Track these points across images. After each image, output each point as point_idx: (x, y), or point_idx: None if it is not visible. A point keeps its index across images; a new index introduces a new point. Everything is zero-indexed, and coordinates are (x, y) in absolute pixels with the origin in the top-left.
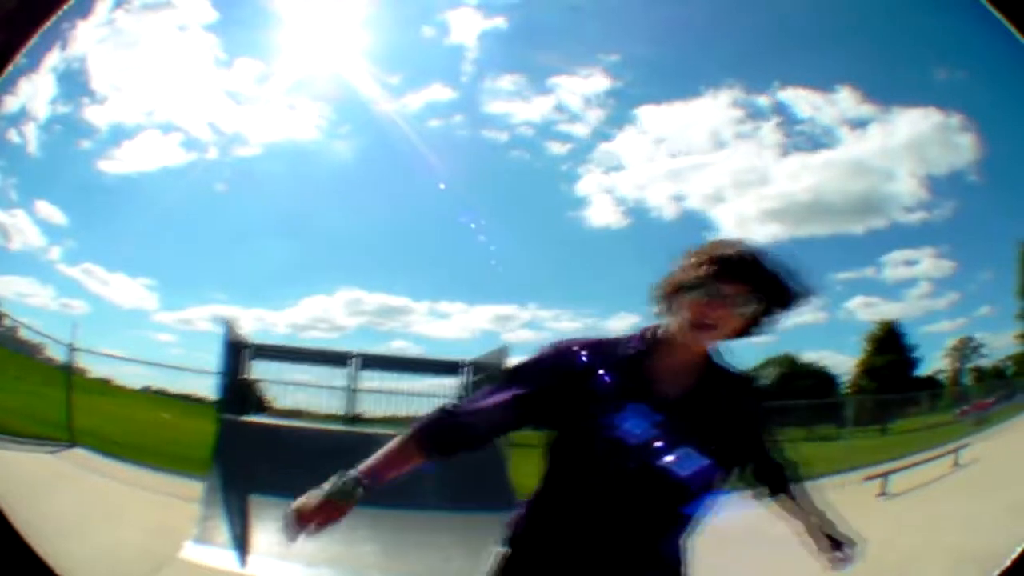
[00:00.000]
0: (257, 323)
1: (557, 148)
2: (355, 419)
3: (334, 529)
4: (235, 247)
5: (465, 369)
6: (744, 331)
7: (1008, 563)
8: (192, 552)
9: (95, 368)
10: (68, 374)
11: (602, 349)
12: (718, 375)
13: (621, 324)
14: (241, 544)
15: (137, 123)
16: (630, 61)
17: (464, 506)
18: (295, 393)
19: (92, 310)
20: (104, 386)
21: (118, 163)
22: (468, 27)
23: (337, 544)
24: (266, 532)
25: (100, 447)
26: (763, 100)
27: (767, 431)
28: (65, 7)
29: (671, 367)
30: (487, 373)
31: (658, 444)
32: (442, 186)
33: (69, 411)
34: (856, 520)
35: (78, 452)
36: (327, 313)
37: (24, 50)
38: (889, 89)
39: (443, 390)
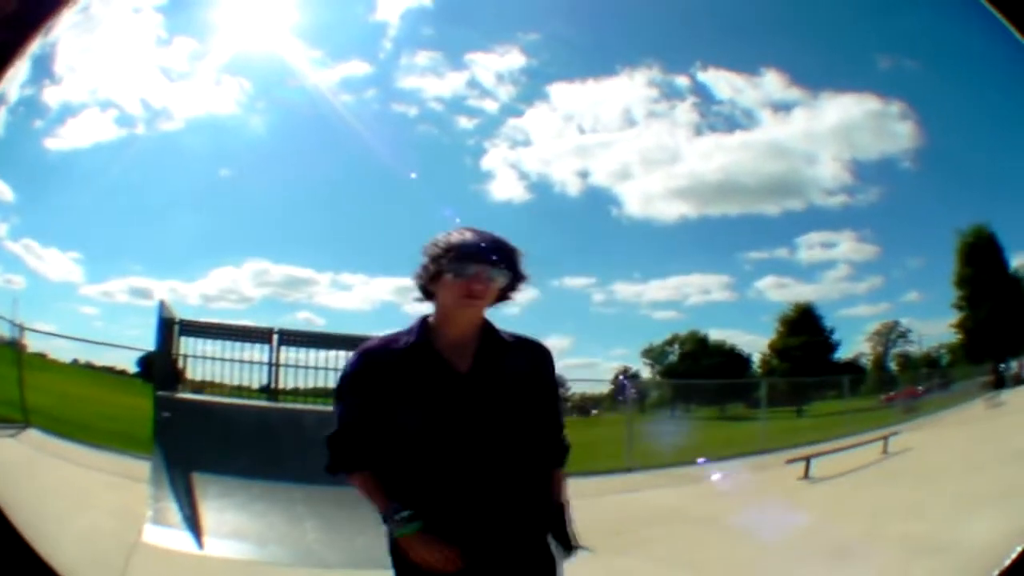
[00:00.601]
0: (171, 294)
1: (465, 123)
2: (276, 393)
3: (276, 508)
4: (155, 220)
5: None
6: (498, 299)
7: (1007, 563)
8: (152, 535)
9: (33, 343)
10: (18, 352)
11: (394, 344)
12: (498, 341)
13: (519, 297)
14: (193, 524)
15: (82, 101)
16: (549, 40)
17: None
18: (219, 367)
19: (29, 284)
20: (42, 361)
21: (61, 140)
22: (393, 5)
23: (281, 523)
24: (214, 511)
25: (52, 427)
26: (682, 80)
27: (556, 400)
28: (65, 7)
29: (454, 344)
30: None
31: (468, 412)
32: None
33: (21, 390)
34: (786, 502)
35: (32, 433)
36: (235, 284)
37: (24, 50)
38: (821, 74)
39: None
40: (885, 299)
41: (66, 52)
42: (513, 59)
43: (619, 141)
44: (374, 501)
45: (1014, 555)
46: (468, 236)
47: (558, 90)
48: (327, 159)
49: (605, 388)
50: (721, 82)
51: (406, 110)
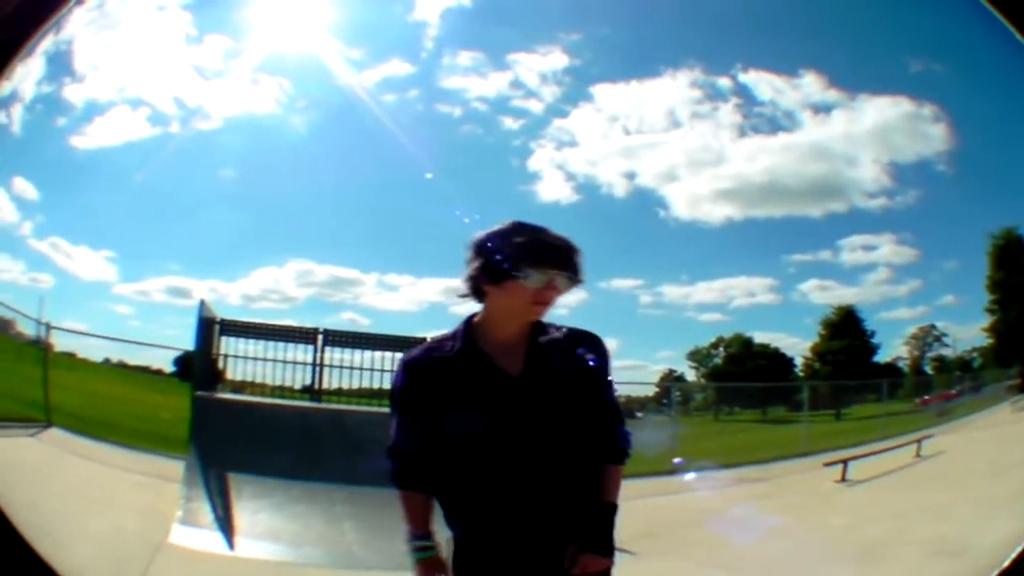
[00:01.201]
0: (211, 294)
1: (510, 123)
2: (320, 393)
3: (314, 509)
4: (191, 219)
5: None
6: None
7: (1007, 563)
8: (181, 535)
9: (61, 342)
10: (44, 351)
11: (438, 352)
12: (548, 339)
13: (567, 299)
14: (225, 525)
15: (109, 99)
16: (591, 40)
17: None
18: (260, 367)
19: (57, 283)
20: (70, 360)
21: (89, 139)
22: (432, 4)
23: (318, 523)
24: (248, 512)
25: (76, 426)
26: (724, 82)
27: (611, 392)
28: (65, 7)
29: (503, 345)
30: None
31: (521, 417)
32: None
33: (46, 389)
34: (820, 506)
35: (55, 432)
36: (278, 284)
37: (24, 50)
38: (857, 76)
39: None
40: (923, 302)
41: (85, 50)
42: (556, 59)
43: (664, 142)
44: (408, 520)
45: (1014, 555)
46: (544, 238)
47: (602, 91)
48: (371, 159)
49: (651, 391)
50: (762, 83)
51: (450, 110)
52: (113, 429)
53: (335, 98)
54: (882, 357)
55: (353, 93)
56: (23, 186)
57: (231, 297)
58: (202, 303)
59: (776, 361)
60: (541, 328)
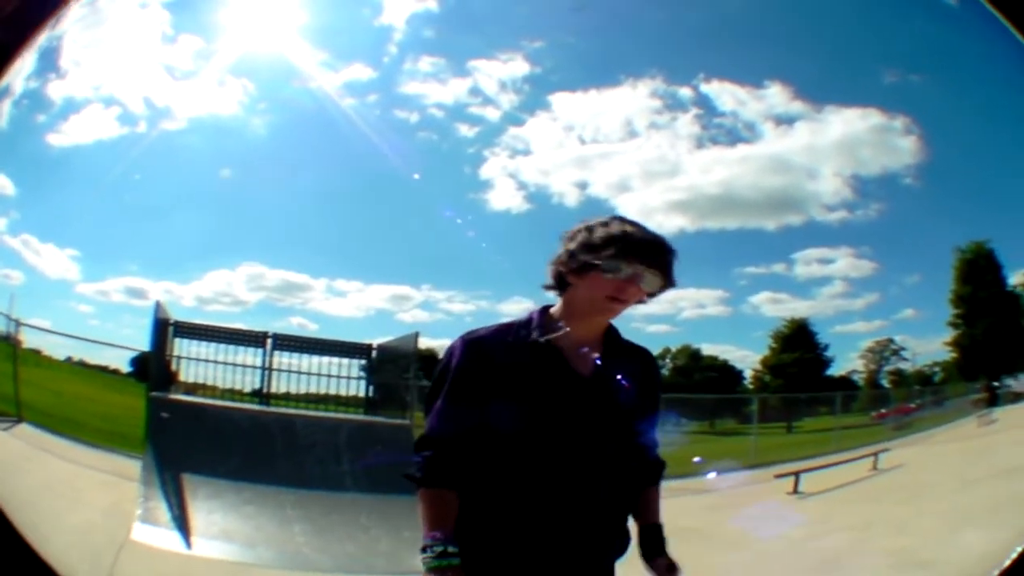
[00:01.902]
0: (166, 296)
1: (465, 130)
2: (269, 397)
3: (265, 511)
4: (150, 220)
5: (375, 352)
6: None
7: (1007, 563)
8: (141, 533)
9: (29, 339)
10: (15, 347)
11: (509, 337)
12: (620, 346)
13: (514, 308)
14: (182, 525)
15: (85, 97)
16: (554, 48)
17: (382, 490)
18: (212, 370)
19: (27, 280)
20: (37, 357)
21: (64, 136)
22: (399, 9)
23: (270, 525)
24: (203, 512)
25: (46, 423)
26: (685, 92)
27: (658, 414)
28: (65, 7)
29: (577, 344)
30: (397, 357)
31: (587, 421)
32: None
33: (16, 385)
34: (776, 517)
35: (26, 428)
36: (230, 287)
37: (24, 50)
38: (827, 87)
39: (352, 370)
40: (880, 316)
41: (72, 47)
42: (517, 67)
43: (620, 152)
44: (432, 522)
45: (1014, 555)
46: (633, 231)
47: (560, 99)
48: (327, 163)
49: None
50: (725, 94)
51: (407, 116)
52: (79, 427)
53: (294, 103)
54: (836, 370)
55: (314, 95)
56: (3, 182)
57: (185, 299)
58: (157, 304)
59: (725, 373)
60: (615, 335)
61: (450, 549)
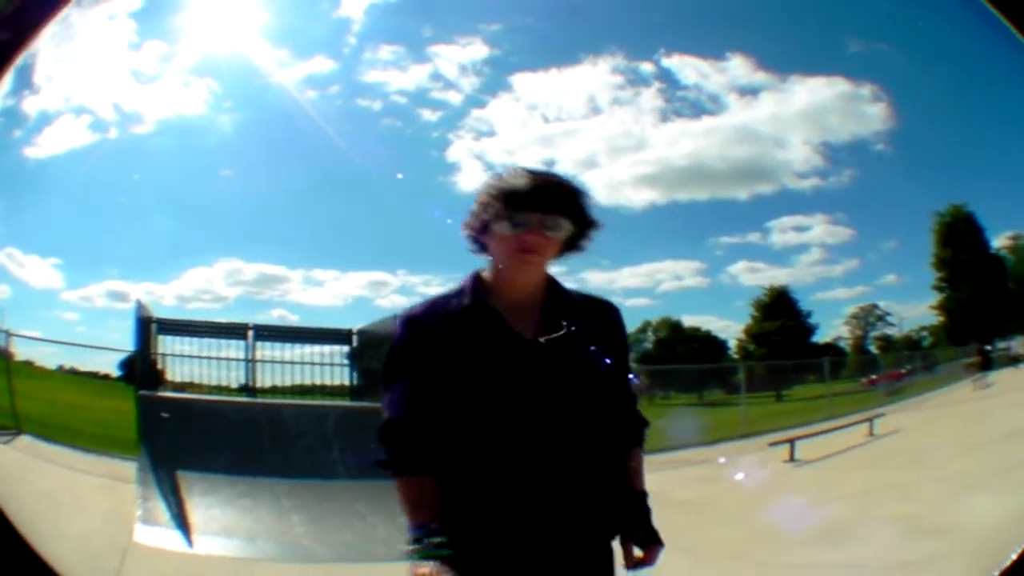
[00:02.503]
0: (147, 296)
1: (429, 115)
2: (255, 390)
3: (262, 503)
4: (127, 224)
5: (355, 337)
6: (564, 250)
7: (1008, 563)
8: (143, 535)
9: (21, 351)
10: (7, 360)
11: (444, 308)
12: (568, 301)
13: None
14: (182, 523)
15: (57, 109)
16: (512, 30)
17: (375, 477)
18: (198, 366)
19: (14, 293)
20: (29, 369)
21: (39, 149)
22: (357, 1)
23: (268, 517)
24: (201, 508)
25: (43, 433)
26: (647, 67)
27: (628, 368)
28: (66, 7)
29: (515, 304)
30: (378, 341)
31: (537, 384)
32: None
33: (12, 398)
34: (771, 485)
35: (26, 440)
36: (209, 284)
37: (24, 50)
38: (789, 58)
39: (334, 357)
40: (862, 282)
41: (45, 62)
42: (476, 50)
43: (584, 129)
44: (415, 511)
45: (1015, 555)
46: (521, 180)
47: (521, 80)
48: (294, 157)
49: None
50: (687, 68)
51: (370, 104)
52: (74, 434)
53: (258, 99)
54: (821, 337)
55: (275, 92)
56: None
57: (166, 299)
58: (138, 304)
59: (708, 344)
60: (558, 289)
61: (439, 539)
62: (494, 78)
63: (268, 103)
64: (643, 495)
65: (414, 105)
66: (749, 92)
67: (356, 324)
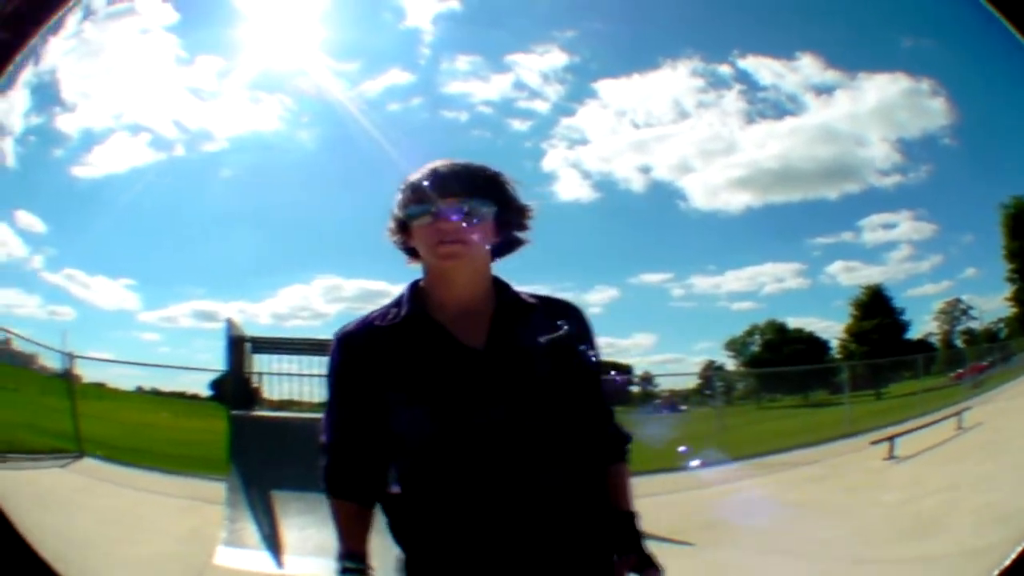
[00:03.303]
0: (240, 315)
1: (519, 125)
2: None
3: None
4: (210, 242)
5: None
6: (502, 245)
7: (1008, 562)
8: (225, 556)
9: (88, 372)
10: (70, 382)
11: (380, 322)
12: (516, 304)
13: (600, 296)
14: (273, 544)
15: (106, 127)
16: (585, 36)
17: None
18: (297, 384)
19: (78, 315)
20: (99, 390)
21: (91, 168)
22: (422, 11)
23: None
24: (296, 528)
25: (109, 455)
26: (724, 69)
27: (598, 376)
28: (66, 7)
29: (459, 312)
30: None
31: (489, 399)
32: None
33: (75, 420)
34: (872, 482)
35: (87, 462)
36: (307, 301)
37: (24, 50)
38: (853, 55)
39: None
40: (946, 276)
41: (70, 79)
42: (554, 58)
43: (674, 134)
44: (339, 537)
45: (1014, 555)
46: (428, 169)
47: (605, 86)
48: (386, 170)
49: (692, 383)
50: (762, 68)
51: (456, 116)
52: (149, 455)
53: (338, 111)
54: (913, 334)
55: (357, 104)
56: (28, 219)
57: (260, 317)
58: (229, 322)
59: (812, 345)
60: (507, 291)
61: (356, 566)
62: (578, 85)
63: (347, 117)
64: (630, 515)
65: (502, 115)
66: (824, 91)
67: None
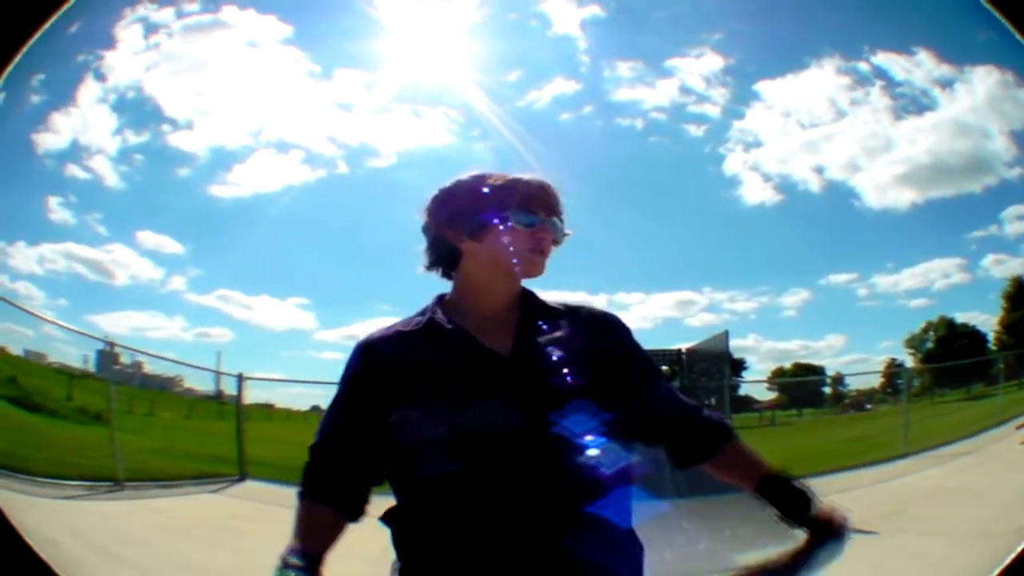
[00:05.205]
0: None
1: (694, 130)
2: None
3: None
4: (387, 257)
5: (684, 357)
6: None
7: (1008, 561)
8: None
9: (253, 394)
10: (239, 405)
11: (406, 329)
12: (544, 309)
13: (794, 299)
14: None
15: (244, 145)
16: (732, 38)
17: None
18: None
19: (236, 336)
20: (266, 412)
21: (233, 187)
22: (567, 17)
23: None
24: None
25: (275, 476)
26: (862, 65)
27: (659, 376)
28: (65, 7)
29: (485, 320)
30: (707, 358)
31: (523, 406)
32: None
33: (240, 442)
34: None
35: (249, 485)
36: None
37: (24, 50)
38: (956, 49)
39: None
40: None
41: (167, 95)
42: (711, 60)
43: (838, 133)
44: (293, 534)
45: (1015, 554)
46: (522, 177)
47: (765, 87)
48: (561, 180)
49: (875, 382)
50: (894, 65)
51: (632, 123)
52: None
53: (505, 121)
54: None
55: (521, 116)
56: (157, 240)
57: None
58: None
59: (974, 339)
60: (533, 298)
61: (296, 562)
62: (741, 87)
63: (519, 127)
64: (783, 476)
65: (675, 120)
66: (946, 84)
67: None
